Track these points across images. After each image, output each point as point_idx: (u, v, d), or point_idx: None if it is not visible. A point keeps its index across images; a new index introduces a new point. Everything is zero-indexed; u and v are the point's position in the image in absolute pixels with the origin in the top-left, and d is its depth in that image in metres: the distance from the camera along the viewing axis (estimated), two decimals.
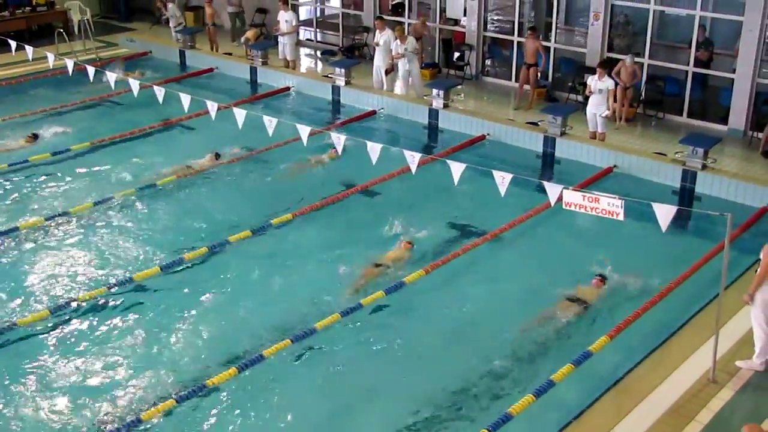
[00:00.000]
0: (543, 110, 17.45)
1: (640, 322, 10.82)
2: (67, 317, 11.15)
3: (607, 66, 16.79)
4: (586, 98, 16.92)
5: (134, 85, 15.55)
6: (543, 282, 12.11)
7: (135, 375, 10.09)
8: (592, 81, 16.43)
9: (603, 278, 11.97)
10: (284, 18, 21.52)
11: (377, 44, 19.74)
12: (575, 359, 9.92)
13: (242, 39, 23.02)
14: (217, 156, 16.15)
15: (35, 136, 17.18)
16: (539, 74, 19.35)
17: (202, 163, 16.01)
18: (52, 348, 10.58)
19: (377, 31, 19.92)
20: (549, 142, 16.62)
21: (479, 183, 13.07)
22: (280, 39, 21.75)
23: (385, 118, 18.68)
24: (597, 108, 16.45)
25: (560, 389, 9.52)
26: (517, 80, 19.90)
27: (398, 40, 19.13)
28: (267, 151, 16.27)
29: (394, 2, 23.60)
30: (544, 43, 20.48)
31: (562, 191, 9.97)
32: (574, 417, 8.99)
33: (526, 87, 19.33)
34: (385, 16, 22.22)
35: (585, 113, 16.95)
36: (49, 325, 10.96)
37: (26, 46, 18.07)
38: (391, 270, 12.27)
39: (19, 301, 11.52)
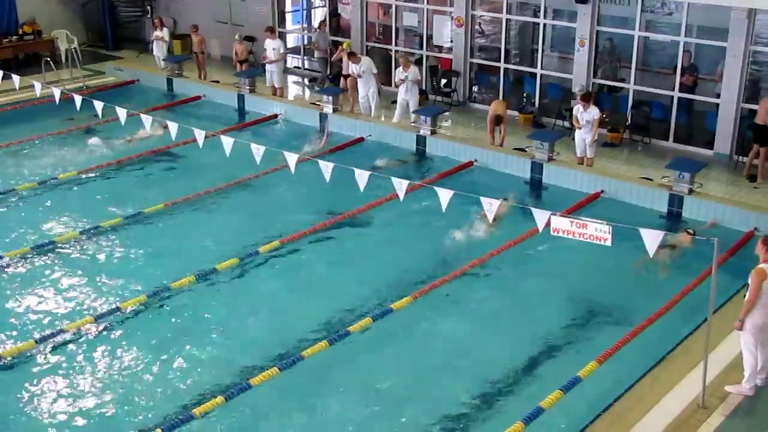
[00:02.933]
0: (530, 136, 17.48)
1: (628, 348, 10.81)
2: (54, 347, 11.07)
3: (589, 97, 16.81)
4: (573, 125, 17.00)
5: (121, 113, 15.54)
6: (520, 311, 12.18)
7: (128, 402, 10.05)
8: (578, 113, 16.50)
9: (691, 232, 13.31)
10: (272, 46, 21.58)
11: (359, 76, 19.87)
12: (563, 386, 9.89)
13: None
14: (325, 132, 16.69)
15: (166, 126, 18.44)
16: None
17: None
18: (36, 379, 10.49)
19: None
20: (536, 167, 16.66)
21: (467, 209, 13.11)
22: (268, 67, 21.81)
23: (373, 145, 18.69)
24: (585, 134, 16.50)
25: (549, 415, 9.49)
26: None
27: (401, 67, 19.31)
28: (255, 178, 16.30)
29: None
30: (530, 69, 20.68)
31: (550, 217, 9.98)
32: None
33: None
34: (372, 44, 22.51)
35: (572, 138, 17.03)
36: (35, 356, 10.89)
37: (12, 75, 18.03)
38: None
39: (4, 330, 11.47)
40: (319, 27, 23.82)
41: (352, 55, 20.32)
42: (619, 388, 9.92)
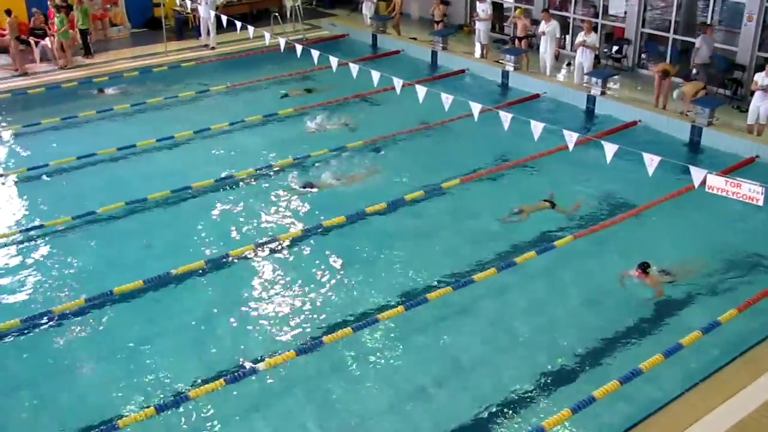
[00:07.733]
0: (691, 101, 16.63)
1: None
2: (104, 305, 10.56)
3: None
4: (735, 92, 15.97)
5: (333, 62, 15.94)
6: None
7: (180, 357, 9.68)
8: (760, 77, 15.45)
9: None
10: (481, 8, 21.56)
11: (543, 33, 19.50)
12: (704, 328, 9.55)
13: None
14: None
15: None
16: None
17: None
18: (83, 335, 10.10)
19: (543, 21, 19.69)
20: (696, 131, 15.87)
21: (629, 164, 12.69)
22: (477, 24, 21.77)
23: (547, 102, 18.37)
24: (761, 101, 15.49)
25: (688, 351, 9.24)
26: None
27: (584, 31, 18.87)
28: (442, 124, 16.39)
29: None
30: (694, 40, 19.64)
31: (706, 175, 9.59)
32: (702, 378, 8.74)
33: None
34: (552, 11, 21.88)
35: (732, 107, 16.05)
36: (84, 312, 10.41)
37: (248, 27, 18.86)
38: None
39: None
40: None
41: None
42: (758, 335, 9.50)
